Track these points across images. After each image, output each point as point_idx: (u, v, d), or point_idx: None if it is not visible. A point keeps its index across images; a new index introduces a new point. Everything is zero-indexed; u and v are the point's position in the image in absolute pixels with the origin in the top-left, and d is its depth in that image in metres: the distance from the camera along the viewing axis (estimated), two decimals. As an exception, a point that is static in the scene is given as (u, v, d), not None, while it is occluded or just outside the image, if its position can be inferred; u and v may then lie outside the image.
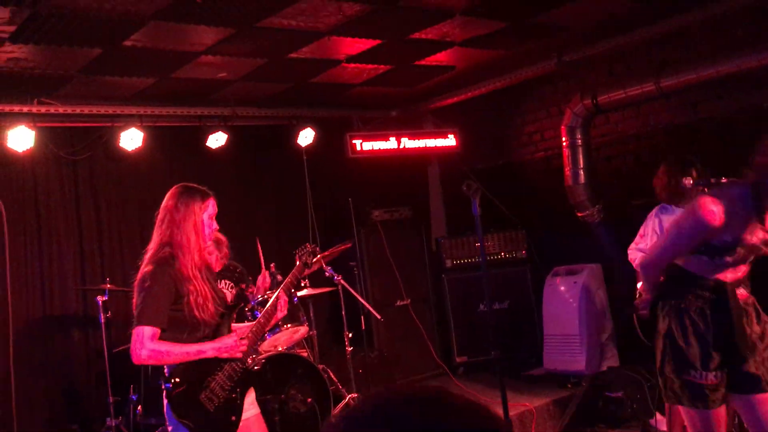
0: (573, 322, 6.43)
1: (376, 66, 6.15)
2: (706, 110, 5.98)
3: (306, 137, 7.06)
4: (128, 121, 6.17)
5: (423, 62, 6.23)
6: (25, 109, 5.70)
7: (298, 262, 3.64)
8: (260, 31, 4.90)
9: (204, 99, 6.54)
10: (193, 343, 3.10)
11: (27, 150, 5.67)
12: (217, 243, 5.35)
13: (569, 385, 6.24)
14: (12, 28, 4.29)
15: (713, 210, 3.00)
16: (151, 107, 6.33)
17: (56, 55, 4.87)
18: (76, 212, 6.26)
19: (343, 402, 5.58)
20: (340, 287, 5.86)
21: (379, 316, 5.87)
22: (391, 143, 7.38)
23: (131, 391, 5.49)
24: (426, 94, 7.50)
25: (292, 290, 5.52)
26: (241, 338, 3.22)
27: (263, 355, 5.07)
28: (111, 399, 5.43)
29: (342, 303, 5.97)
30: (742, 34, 5.58)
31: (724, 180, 4.26)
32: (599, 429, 5.66)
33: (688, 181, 4.42)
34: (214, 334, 3.21)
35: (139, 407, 5.39)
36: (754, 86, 5.53)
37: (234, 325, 3.48)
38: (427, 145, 7.61)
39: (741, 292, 3.31)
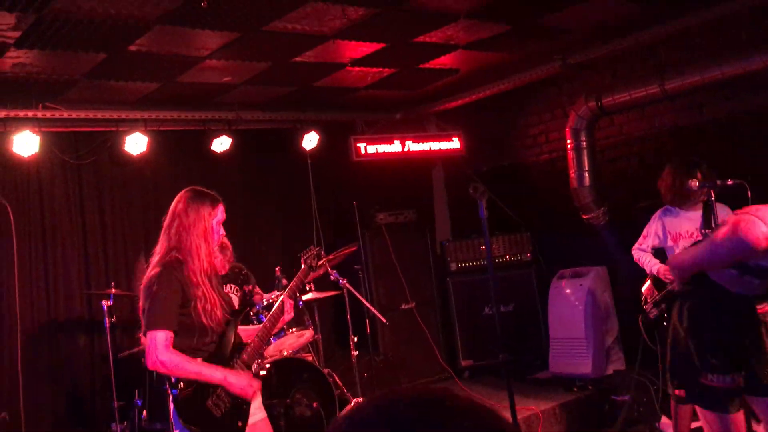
0: (579, 325, 6.41)
1: (380, 69, 6.15)
2: (711, 112, 5.96)
3: (310, 141, 7.06)
4: (133, 125, 6.18)
5: (427, 65, 6.23)
6: (30, 113, 5.71)
7: (303, 265, 3.62)
8: (265, 35, 4.90)
9: (208, 103, 6.54)
10: (206, 364, 3.09)
11: (32, 155, 5.68)
12: (222, 248, 5.35)
13: (575, 389, 6.22)
14: (17, 34, 4.29)
15: (758, 234, 2.87)
16: (155, 111, 6.33)
17: (61, 59, 4.88)
18: (80, 216, 6.27)
19: (349, 406, 5.57)
20: (345, 291, 5.85)
21: (384, 320, 5.86)
22: (395, 146, 7.37)
23: (136, 395, 5.49)
24: (430, 97, 7.50)
25: (297, 294, 5.56)
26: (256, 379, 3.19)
27: (268, 360, 5.09)
28: (116, 404, 5.42)
29: (347, 307, 5.96)
30: (747, 35, 5.56)
31: (729, 182, 4.25)
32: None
33: (694, 183, 4.41)
34: (221, 339, 3.20)
35: (144, 412, 5.38)
36: (759, 87, 5.51)
37: (241, 327, 3.47)
38: (432, 148, 7.61)
39: (761, 306, 3.30)
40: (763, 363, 3.19)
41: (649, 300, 4.69)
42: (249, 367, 3.24)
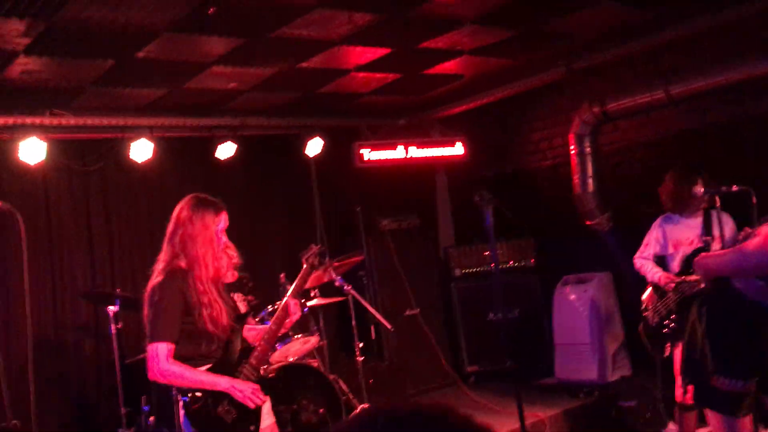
0: (584, 331, 6.41)
1: (384, 75, 6.18)
2: (715, 117, 5.98)
3: (314, 147, 7.08)
4: (139, 132, 6.19)
5: (431, 71, 6.25)
6: (37, 121, 5.72)
7: (304, 265, 3.61)
8: (271, 42, 4.92)
9: (214, 109, 6.57)
10: (208, 372, 3.09)
11: (39, 162, 5.70)
12: (228, 255, 5.36)
13: (581, 395, 6.22)
14: (27, 41, 4.32)
15: None
16: (161, 118, 6.35)
17: (69, 67, 4.90)
18: (86, 223, 6.28)
19: (355, 412, 5.57)
20: (350, 297, 5.86)
21: (389, 326, 5.86)
22: (398, 152, 7.39)
23: (143, 401, 5.48)
24: (434, 103, 7.52)
25: (303, 300, 5.56)
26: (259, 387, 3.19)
27: (275, 366, 5.09)
28: (123, 410, 5.41)
29: (352, 313, 5.97)
30: (751, 41, 5.59)
31: (735, 188, 4.27)
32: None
33: (699, 189, 4.42)
34: (227, 346, 3.20)
35: (151, 418, 5.37)
36: (763, 93, 5.53)
37: (248, 327, 3.47)
38: (435, 154, 7.63)
39: None
40: None
41: (649, 307, 4.69)
42: (257, 372, 3.24)
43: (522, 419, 4.18)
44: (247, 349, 3.28)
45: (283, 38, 4.88)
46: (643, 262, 4.76)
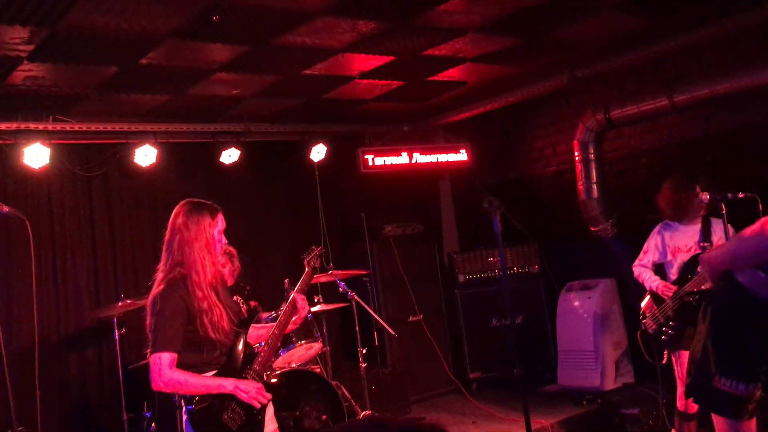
0: (588, 337, 6.39)
1: (388, 82, 6.18)
2: (719, 124, 5.97)
3: (318, 153, 7.08)
4: (142, 137, 6.21)
5: (435, 78, 6.25)
6: (41, 126, 5.74)
7: (306, 268, 3.59)
8: (275, 49, 4.93)
9: (217, 115, 6.58)
10: (211, 377, 3.08)
11: (42, 167, 5.71)
12: (230, 256, 5.37)
13: (584, 402, 6.20)
14: (31, 48, 4.33)
15: None
16: (165, 124, 6.37)
17: (73, 73, 4.91)
18: (90, 228, 6.29)
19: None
20: (353, 303, 5.85)
21: (393, 333, 5.86)
22: (402, 158, 7.39)
23: (145, 407, 5.48)
24: (437, 109, 7.52)
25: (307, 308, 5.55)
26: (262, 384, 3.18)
27: (278, 372, 5.08)
28: (125, 416, 5.42)
29: (356, 319, 5.96)
30: (755, 49, 5.58)
31: (741, 195, 4.26)
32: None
33: (705, 196, 4.41)
34: (230, 352, 3.19)
35: (153, 424, 5.38)
36: (767, 100, 5.51)
37: (254, 326, 3.46)
38: (439, 160, 7.62)
39: None
40: None
41: (648, 315, 4.68)
42: (261, 377, 3.23)
43: (528, 427, 4.15)
44: (251, 354, 3.27)
45: (286, 45, 4.89)
46: (642, 270, 4.76)
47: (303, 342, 5.43)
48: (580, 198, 6.64)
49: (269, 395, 3.17)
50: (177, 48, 4.65)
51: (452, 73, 6.16)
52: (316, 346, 5.56)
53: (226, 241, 3.29)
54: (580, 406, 6.18)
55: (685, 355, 4.36)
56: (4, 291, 5.73)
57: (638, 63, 6.13)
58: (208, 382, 3.04)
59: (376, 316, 5.96)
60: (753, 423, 3.22)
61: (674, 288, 4.51)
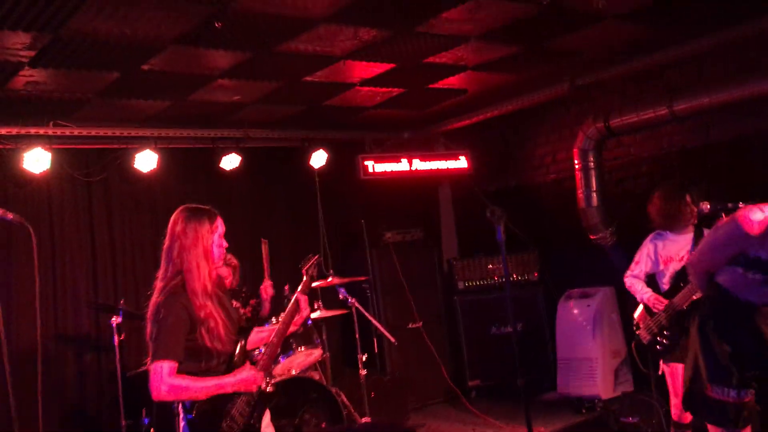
0: (587, 346, 6.39)
1: (389, 89, 6.19)
2: (719, 133, 5.98)
3: (318, 159, 7.09)
4: (143, 143, 6.21)
5: (436, 85, 6.26)
6: (42, 131, 5.75)
7: (305, 277, 3.59)
8: (277, 56, 4.94)
9: (218, 121, 6.58)
10: (210, 378, 3.07)
11: (43, 171, 5.71)
12: (233, 269, 5.38)
13: (584, 410, 6.19)
14: (32, 53, 4.33)
15: (751, 218, 2.92)
16: (165, 129, 6.37)
17: (74, 78, 4.91)
18: (90, 233, 6.28)
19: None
20: (354, 309, 5.85)
21: (393, 340, 5.86)
22: (402, 165, 7.39)
23: (144, 414, 5.47)
24: (438, 117, 7.53)
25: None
26: (256, 367, 3.17)
27: (277, 379, 5.08)
28: (124, 422, 5.40)
29: (356, 326, 5.95)
30: (755, 58, 5.59)
31: (741, 205, 4.26)
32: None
33: (706, 206, 4.41)
34: (230, 360, 3.17)
35: (152, 431, 5.36)
36: (767, 109, 5.53)
37: (257, 329, 3.45)
38: (439, 167, 7.63)
39: None
40: None
41: (641, 326, 4.68)
42: (259, 387, 3.22)
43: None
44: (250, 363, 3.26)
45: (288, 52, 4.90)
46: (633, 281, 4.75)
47: (303, 348, 5.43)
48: (580, 206, 6.65)
49: (261, 374, 3.16)
50: (179, 54, 4.66)
51: (453, 81, 6.17)
52: (316, 353, 5.55)
53: (227, 245, 3.28)
54: (579, 414, 6.17)
55: (677, 367, 4.38)
56: (4, 294, 5.72)
57: (639, 71, 6.15)
58: (207, 384, 3.02)
59: (376, 323, 5.96)
60: (748, 431, 3.22)
61: (665, 302, 4.51)
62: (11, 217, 3.01)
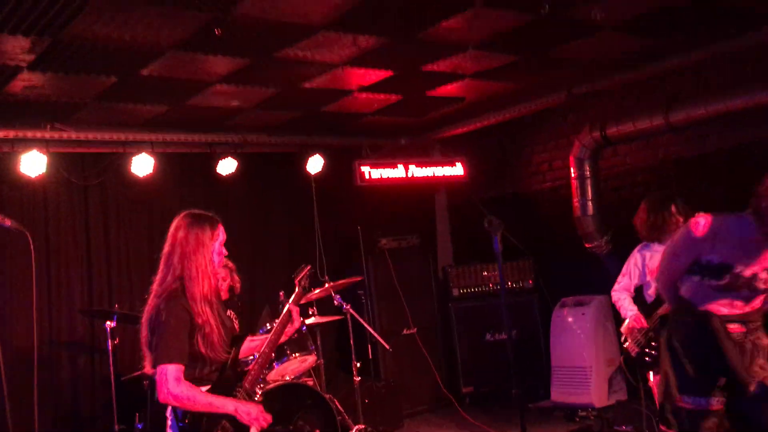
0: (581, 354, 6.41)
1: (387, 96, 6.20)
2: (715, 144, 6.01)
3: (315, 165, 7.09)
4: (140, 147, 6.21)
5: (434, 93, 6.28)
6: (38, 134, 5.74)
7: (297, 288, 3.59)
8: (276, 62, 4.94)
9: (215, 126, 6.58)
10: (218, 396, 3.06)
11: (39, 175, 5.70)
12: (230, 271, 5.37)
13: (577, 419, 6.20)
14: (31, 57, 4.33)
15: (698, 222, 3.21)
16: (162, 134, 6.37)
17: (72, 83, 4.91)
18: (85, 237, 6.27)
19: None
20: (348, 316, 5.85)
21: (388, 346, 5.86)
22: (399, 171, 7.40)
23: (137, 419, 5.45)
24: (435, 124, 7.54)
25: (301, 319, 5.54)
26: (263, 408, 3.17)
27: (271, 385, 5.07)
28: (117, 427, 5.38)
29: (350, 332, 5.95)
30: (752, 70, 5.63)
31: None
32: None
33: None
34: (222, 369, 3.16)
35: (145, 435, 5.35)
36: (763, 121, 5.56)
37: (249, 337, 3.45)
38: (435, 174, 7.64)
39: (734, 327, 3.32)
40: (743, 385, 3.22)
41: (629, 339, 4.69)
42: (251, 396, 3.22)
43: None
44: (241, 373, 3.25)
45: (287, 59, 4.90)
46: (619, 296, 4.76)
47: (297, 355, 5.42)
48: (576, 214, 6.67)
49: (269, 418, 3.13)
50: (178, 60, 4.66)
51: (451, 89, 6.18)
52: (311, 359, 5.55)
53: (226, 253, 3.28)
54: (572, 422, 6.18)
55: None
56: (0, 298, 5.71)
57: (635, 81, 6.18)
58: (213, 400, 3.01)
59: (370, 329, 5.96)
60: None
61: (645, 326, 4.52)
62: (9, 224, 3.01)
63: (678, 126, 5.89)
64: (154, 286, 3.13)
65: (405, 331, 7.20)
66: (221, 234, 3.21)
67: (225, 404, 3.04)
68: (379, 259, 7.27)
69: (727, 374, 3.23)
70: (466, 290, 7.35)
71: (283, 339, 3.48)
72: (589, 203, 6.61)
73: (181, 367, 2.96)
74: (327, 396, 5.44)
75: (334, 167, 7.23)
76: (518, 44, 5.14)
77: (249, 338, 3.46)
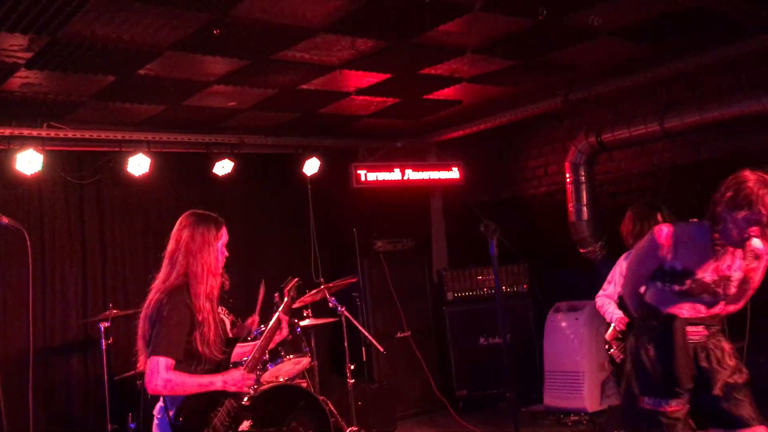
0: (574, 358, 6.42)
1: (384, 99, 6.22)
2: (710, 150, 6.05)
3: (311, 166, 7.10)
4: (136, 146, 6.20)
5: (430, 96, 6.30)
6: (35, 132, 5.73)
7: (286, 298, 3.63)
8: (273, 64, 4.95)
9: (212, 127, 6.58)
10: (203, 375, 3.10)
11: (35, 173, 5.69)
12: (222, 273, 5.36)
13: (570, 423, 6.22)
14: (29, 55, 4.33)
15: (662, 229, 3.25)
16: (159, 133, 6.37)
17: (70, 81, 4.91)
18: (80, 236, 6.25)
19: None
20: (343, 318, 5.85)
21: (382, 350, 5.86)
22: (395, 174, 7.42)
23: (130, 419, 5.44)
24: (432, 127, 7.57)
25: (295, 320, 5.55)
26: (248, 372, 3.21)
27: (264, 387, 5.07)
28: (110, 426, 5.37)
29: (345, 334, 5.95)
30: (747, 78, 5.66)
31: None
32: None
33: None
34: (216, 369, 3.19)
35: (138, 435, 5.34)
36: (758, 129, 5.59)
37: (240, 344, 3.46)
38: (431, 177, 7.66)
39: (696, 329, 3.36)
40: (707, 388, 3.25)
41: (614, 345, 4.71)
42: (241, 399, 3.24)
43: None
44: None
45: (285, 61, 4.92)
46: (604, 302, 4.79)
47: (291, 356, 5.41)
48: (570, 219, 6.69)
49: (253, 376, 3.23)
50: (176, 60, 4.66)
51: (448, 93, 6.20)
52: (305, 361, 5.54)
53: (228, 254, 3.31)
54: (565, 427, 6.19)
55: None
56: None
57: (632, 88, 6.21)
58: (200, 380, 3.09)
59: (364, 332, 5.96)
60: None
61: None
62: (6, 221, 3.01)
63: (673, 132, 5.92)
64: (157, 284, 3.17)
65: (399, 334, 7.21)
66: (224, 235, 3.26)
67: (213, 381, 3.11)
68: (375, 261, 7.27)
69: (691, 376, 3.27)
70: (461, 294, 7.36)
71: (270, 346, 3.57)
72: (584, 208, 6.64)
73: (173, 362, 3.01)
74: (320, 398, 5.44)
75: (331, 169, 7.23)
76: (515, 49, 5.16)
77: (239, 344, 3.49)
